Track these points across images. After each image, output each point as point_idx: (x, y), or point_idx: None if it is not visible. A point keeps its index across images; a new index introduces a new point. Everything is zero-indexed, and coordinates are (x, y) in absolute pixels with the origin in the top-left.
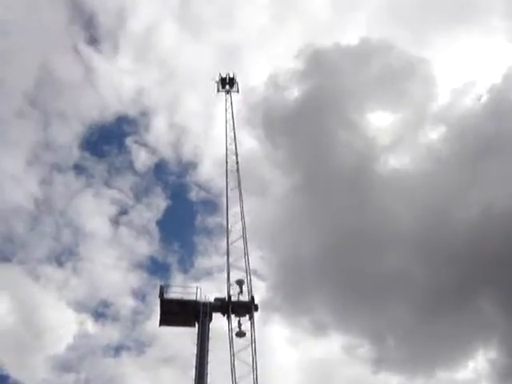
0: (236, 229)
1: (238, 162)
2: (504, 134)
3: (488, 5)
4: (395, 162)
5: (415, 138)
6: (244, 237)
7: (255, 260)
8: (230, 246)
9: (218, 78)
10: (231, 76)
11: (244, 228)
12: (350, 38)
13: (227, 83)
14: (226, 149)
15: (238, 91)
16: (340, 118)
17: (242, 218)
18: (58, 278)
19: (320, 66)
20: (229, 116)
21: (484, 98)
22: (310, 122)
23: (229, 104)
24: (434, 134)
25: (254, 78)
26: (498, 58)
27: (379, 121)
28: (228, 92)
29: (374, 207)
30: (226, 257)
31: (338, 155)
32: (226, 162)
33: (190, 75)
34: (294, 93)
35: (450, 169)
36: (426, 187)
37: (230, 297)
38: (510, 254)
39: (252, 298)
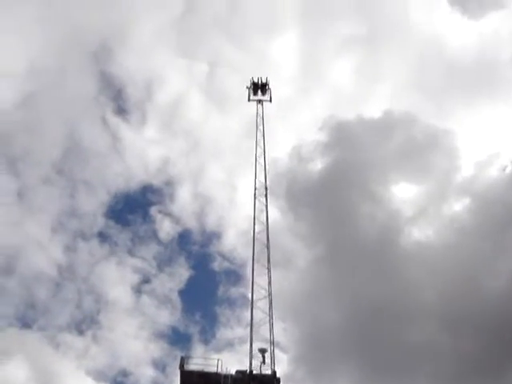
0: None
1: (267, 227)
2: None
3: (510, 77)
4: (419, 233)
5: (439, 210)
6: (270, 308)
7: (278, 332)
8: (254, 317)
9: (249, 84)
10: (264, 81)
11: (271, 300)
12: (374, 110)
13: (259, 88)
14: (256, 177)
15: (270, 100)
16: (363, 190)
17: (270, 287)
18: (78, 346)
19: (343, 138)
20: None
21: (508, 169)
22: (333, 193)
23: (260, 113)
24: (458, 206)
25: (278, 148)
26: None
27: (403, 193)
28: (260, 102)
29: (398, 279)
30: (248, 328)
31: (361, 227)
32: (254, 208)
33: (215, 146)
34: (318, 165)
35: (473, 240)
36: (450, 259)
37: (251, 371)
38: None
39: (274, 372)
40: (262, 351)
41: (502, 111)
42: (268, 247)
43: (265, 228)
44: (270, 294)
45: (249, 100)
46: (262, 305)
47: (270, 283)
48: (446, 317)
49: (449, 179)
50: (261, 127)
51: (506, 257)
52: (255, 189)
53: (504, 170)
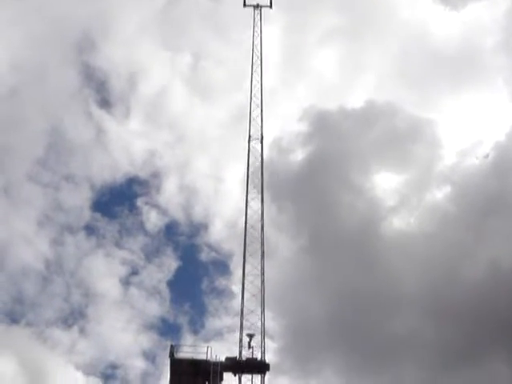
0: (247, 290)
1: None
2: (508, 191)
3: (492, 66)
4: (401, 222)
5: (421, 199)
6: (262, 295)
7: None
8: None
9: None
10: None
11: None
12: (356, 100)
13: None
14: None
15: (270, 6)
16: (345, 181)
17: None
18: (66, 341)
19: (324, 128)
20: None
21: (490, 157)
22: (314, 184)
23: (258, 22)
24: (440, 195)
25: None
26: (502, 116)
27: (384, 182)
28: (257, 7)
29: (381, 268)
30: (237, 317)
31: (343, 217)
32: (248, 183)
33: (200, 137)
34: (299, 155)
35: (455, 229)
36: (433, 247)
37: (241, 351)
38: None
39: (264, 359)
40: (250, 336)
41: (485, 99)
42: (262, 225)
43: (249, 219)
44: (262, 282)
45: (244, 5)
46: (250, 294)
47: (263, 272)
48: (428, 306)
49: (431, 168)
50: (258, 42)
51: (488, 245)
52: (249, 136)
53: (486, 157)
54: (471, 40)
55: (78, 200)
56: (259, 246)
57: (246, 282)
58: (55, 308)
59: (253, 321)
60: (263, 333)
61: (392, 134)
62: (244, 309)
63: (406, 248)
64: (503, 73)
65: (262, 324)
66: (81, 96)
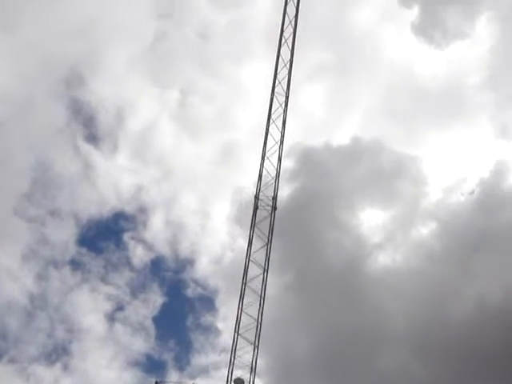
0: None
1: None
2: (493, 227)
3: (477, 103)
4: (386, 259)
5: (406, 236)
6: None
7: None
8: (227, 343)
9: None
10: None
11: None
12: (342, 137)
13: None
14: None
15: None
16: (330, 217)
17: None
18: (49, 377)
19: (310, 165)
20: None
21: (475, 193)
22: (299, 221)
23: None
24: (425, 231)
25: (246, 177)
26: (486, 153)
27: (370, 219)
28: None
29: (367, 305)
30: (223, 354)
31: (329, 254)
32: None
33: (187, 173)
34: (284, 192)
35: (441, 265)
36: (419, 283)
37: None
38: (504, 347)
39: None
40: (238, 381)
41: (470, 135)
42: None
43: (236, 256)
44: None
45: None
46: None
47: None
48: (415, 342)
49: (416, 205)
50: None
51: (474, 282)
52: (270, 115)
53: (471, 194)
54: (456, 78)
55: (64, 234)
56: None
57: (231, 319)
58: (39, 344)
59: (242, 359)
60: (254, 371)
61: (377, 171)
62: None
63: (392, 284)
64: (487, 109)
65: (253, 360)
66: (68, 130)
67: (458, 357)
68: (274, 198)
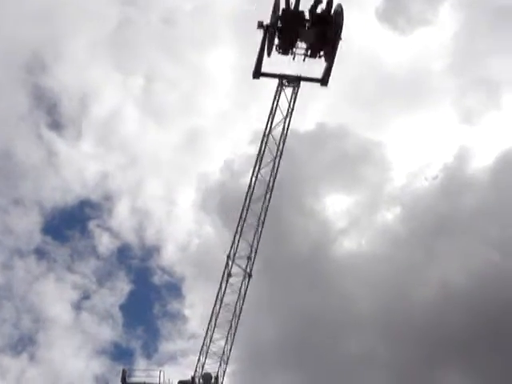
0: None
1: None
2: (457, 211)
3: (441, 89)
4: (351, 244)
5: (371, 221)
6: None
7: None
8: (195, 330)
9: None
10: None
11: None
12: (307, 123)
13: None
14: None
15: None
16: (295, 203)
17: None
18: (15, 368)
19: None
20: None
21: (439, 178)
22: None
23: None
24: (390, 216)
25: (212, 164)
26: (450, 138)
27: (335, 204)
28: None
29: (333, 290)
30: (191, 341)
31: (294, 240)
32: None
33: (152, 160)
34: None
35: (406, 249)
36: (383, 268)
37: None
38: (467, 328)
39: (216, 378)
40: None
41: (434, 121)
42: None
43: (202, 243)
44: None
45: None
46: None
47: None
48: (381, 326)
49: (380, 190)
50: None
51: (438, 265)
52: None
53: (435, 179)
54: (420, 64)
55: (28, 223)
56: (212, 270)
57: (198, 306)
58: (4, 334)
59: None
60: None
61: (342, 157)
62: (200, 332)
63: (357, 269)
64: (451, 95)
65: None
66: (31, 118)
67: (422, 340)
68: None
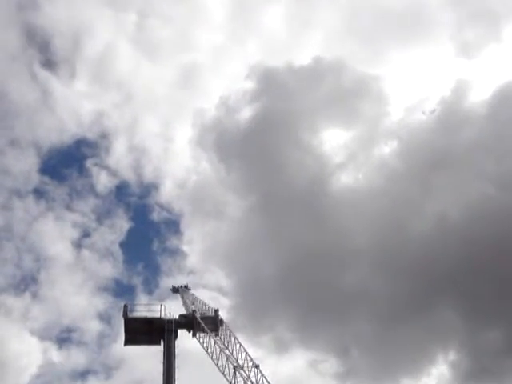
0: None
1: None
2: (454, 145)
3: (438, 22)
4: (349, 178)
5: (368, 155)
6: None
7: (220, 278)
8: (194, 265)
9: None
10: None
11: None
12: (304, 57)
13: None
14: None
15: None
16: (293, 138)
17: None
18: (19, 307)
19: (271, 85)
20: None
21: (436, 112)
22: (262, 142)
23: None
24: (387, 150)
25: (206, 99)
26: (447, 72)
27: (332, 139)
28: None
29: (330, 224)
30: (191, 276)
31: (292, 174)
32: None
33: (148, 97)
34: (246, 114)
35: (402, 183)
36: (380, 202)
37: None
38: (464, 262)
39: (216, 311)
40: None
41: (431, 54)
42: None
43: (200, 180)
44: None
45: None
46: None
47: None
48: (378, 260)
49: (378, 124)
50: None
51: (435, 199)
52: None
53: (432, 112)
54: None
55: (25, 164)
56: (210, 206)
57: (197, 241)
58: (6, 274)
59: (208, 278)
60: None
61: (339, 91)
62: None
63: (355, 203)
64: (449, 29)
65: None
66: (24, 57)
67: (419, 273)
68: None
